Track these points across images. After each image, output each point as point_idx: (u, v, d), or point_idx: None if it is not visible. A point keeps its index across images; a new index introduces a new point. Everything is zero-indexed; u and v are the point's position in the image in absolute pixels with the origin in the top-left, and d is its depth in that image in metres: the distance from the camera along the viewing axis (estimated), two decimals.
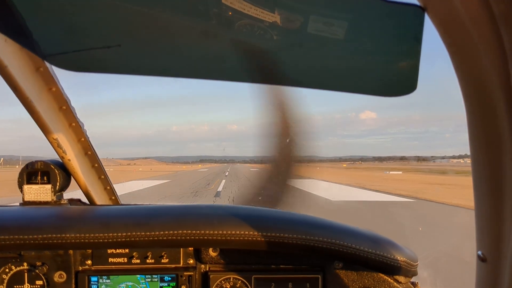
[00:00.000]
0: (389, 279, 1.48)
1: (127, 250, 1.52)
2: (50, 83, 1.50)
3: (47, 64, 1.42)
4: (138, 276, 1.52)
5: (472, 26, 0.63)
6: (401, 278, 1.48)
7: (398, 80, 1.02)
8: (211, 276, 1.52)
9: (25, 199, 1.60)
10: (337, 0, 0.85)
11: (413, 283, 1.53)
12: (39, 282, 1.50)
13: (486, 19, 0.60)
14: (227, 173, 58.11)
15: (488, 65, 0.65)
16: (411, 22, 0.79)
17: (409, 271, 1.44)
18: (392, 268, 1.41)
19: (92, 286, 1.51)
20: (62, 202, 1.64)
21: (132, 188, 25.19)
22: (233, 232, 1.34)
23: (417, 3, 0.68)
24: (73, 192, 1.81)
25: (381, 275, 1.48)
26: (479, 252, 0.81)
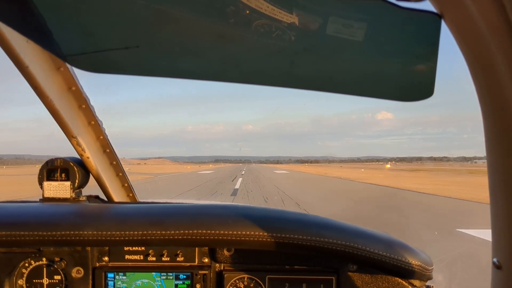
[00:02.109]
0: (404, 283, 1.46)
1: (143, 248, 1.54)
2: (70, 82, 1.53)
3: (67, 64, 1.45)
4: (154, 273, 1.54)
5: (489, 34, 0.62)
6: (416, 282, 1.47)
7: (415, 85, 1.01)
8: (225, 275, 1.54)
9: (45, 195, 1.64)
10: (355, 5, 0.85)
11: (428, 287, 1.52)
12: (57, 277, 1.54)
13: (504, 27, 0.59)
14: (238, 182, 34.26)
15: (506, 73, 0.64)
16: (428, 29, 0.79)
17: (424, 275, 1.43)
18: (406, 272, 1.40)
19: (109, 282, 1.54)
20: (80, 199, 1.68)
21: None
22: (247, 232, 1.34)
23: (434, 10, 0.67)
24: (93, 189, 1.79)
25: (396, 278, 1.47)
26: (495, 259, 0.81)
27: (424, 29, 0.80)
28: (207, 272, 1.55)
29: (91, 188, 1.84)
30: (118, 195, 1.99)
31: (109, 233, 1.34)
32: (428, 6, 0.68)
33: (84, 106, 1.64)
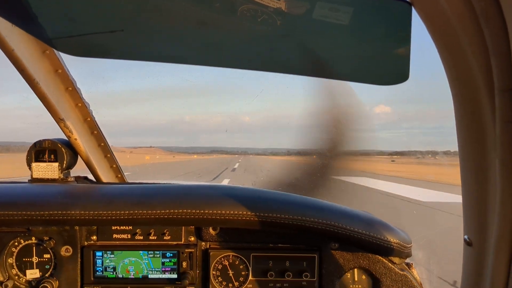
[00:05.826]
0: (384, 260, 1.51)
1: (130, 227, 1.57)
2: (56, 65, 1.54)
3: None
4: (141, 252, 1.58)
5: (456, 21, 0.65)
6: (396, 259, 1.52)
7: (391, 69, 1.04)
8: (211, 253, 1.58)
9: (33, 176, 1.66)
10: None
11: (407, 264, 1.57)
12: (46, 256, 1.56)
13: (469, 15, 0.62)
14: None
15: (472, 58, 0.67)
16: (400, 16, 0.81)
17: (402, 253, 1.48)
18: (385, 250, 1.45)
19: (97, 260, 1.57)
20: (69, 179, 1.70)
21: None
22: (231, 212, 1.38)
23: None
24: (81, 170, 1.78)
25: (376, 256, 1.52)
26: (466, 237, 0.85)
27: (397, 17, 0.83)
28: (193, 250, 1.58)
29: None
30: (106, 176, 2.01)
31: (96, 212, 1.36)
32: None
33: (70, 88, 1.65)
